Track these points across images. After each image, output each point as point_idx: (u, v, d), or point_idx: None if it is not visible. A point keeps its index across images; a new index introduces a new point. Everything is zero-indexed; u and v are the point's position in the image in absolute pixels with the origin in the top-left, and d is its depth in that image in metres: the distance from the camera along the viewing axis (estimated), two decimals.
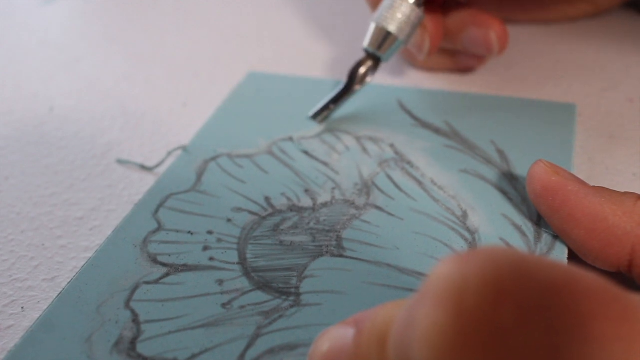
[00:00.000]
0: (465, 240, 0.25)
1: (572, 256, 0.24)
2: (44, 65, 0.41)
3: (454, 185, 0.28)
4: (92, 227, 0.28)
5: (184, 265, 0.25)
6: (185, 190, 0.28)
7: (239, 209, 0.27)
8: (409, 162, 0.29)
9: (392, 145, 0.30)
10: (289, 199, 0.28)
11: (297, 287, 0.24)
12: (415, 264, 0.24)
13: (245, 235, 0.26)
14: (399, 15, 0.31)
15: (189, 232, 0.26)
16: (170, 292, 0.24)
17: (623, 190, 0.23)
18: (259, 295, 0.23)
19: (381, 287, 0.23)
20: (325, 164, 0.30)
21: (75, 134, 0.34)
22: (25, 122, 0.36)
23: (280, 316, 0.23)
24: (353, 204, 0.27)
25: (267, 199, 0.28)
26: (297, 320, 0.22)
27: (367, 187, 0.28)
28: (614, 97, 0.34)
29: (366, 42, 0.32)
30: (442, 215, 0.26)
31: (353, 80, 0.32)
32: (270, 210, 0.27)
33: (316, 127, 0.32)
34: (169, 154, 0.31)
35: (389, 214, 0.27)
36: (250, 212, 0.27)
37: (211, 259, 0.25)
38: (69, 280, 0.25)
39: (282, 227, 0.26)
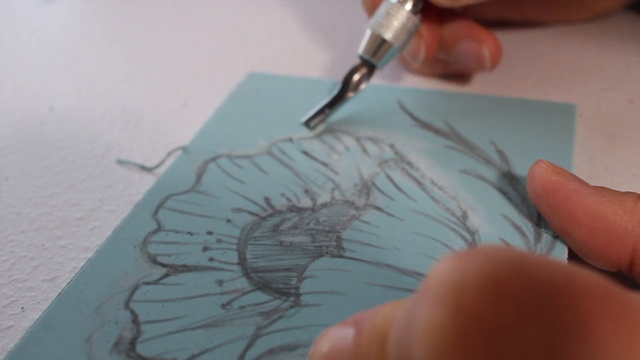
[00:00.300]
0: (465, 240, 0.25)
1: (573, 257, 0.24)
2: (44, 65, 0.41)
3: (453, 185, 0.28)
4: (92, 227, 0.28)
5: (184, 265, 0.25)
6: (184, 191, 0.28)
7: (238, 210, 0.27)
8: (408, 163, 0.29)
9: (391, 146, 0.30)
10: (288, 199, 0.28)
11: (296, 288, 0.24)
12: (415, 264, 0.24)
13: (245, 235, 0.26)
14: (395, 23, 0.30)
15: (189, 233, 0.26)
16: (170, 293, 0.24)
17: (623, 191, 0.23)
18: (259, 296, 0.23)
19: (381, 287, 0.23)
20: (325, 164, 0.30)
21: (75, 134, 0.34)
22: (25, 122, 0.36)
23: (280, 317, 0.23)
24: (353, 204, 0.27)
25: (266, 200, 0.28)
26: (297, 321, 0.22)
27: (366, 187, 0.28)
28: (614, 98, 0.34)
29: (361, 49, 0.31)
30: (442, 216, 0.26)
31: (347, 87, 0.31)
32: (270, 211, 0.27)
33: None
34: (169, 154, 0.31)
35: (389, 214, 0.27)
36: (250, 213, 0.27)
37: (211, 259, 0.25)
38: (68, 280, 0.25)
39: (281, 228, 0.26)
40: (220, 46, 0.42)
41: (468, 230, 0.25)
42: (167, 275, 0.24)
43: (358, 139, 0.31)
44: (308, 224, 0.26)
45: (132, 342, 0.22)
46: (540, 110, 0.32)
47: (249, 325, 0.22)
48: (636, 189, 0.23)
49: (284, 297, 0.23)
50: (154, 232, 0.26)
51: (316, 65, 0.39)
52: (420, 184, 0.28)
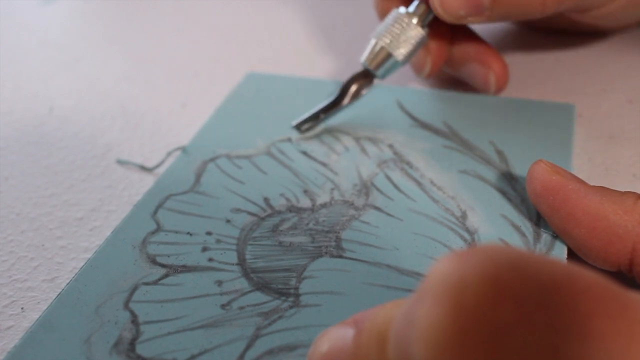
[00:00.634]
0: (465, 240, 0.25)
1: (572, 257, 0.24)
2: (44, 65, 0.41)
3: (453, 185, 0.28)
4: (92, 227, 0.28)
5: (183, 266, 0.25)
6: (184, 191, 0.28)
7: (237, 210, 0.27)
8: (408, 163, 0.29)
9: (391, 146, 0.30)
10: (288, 199, 0.28)
11: (296, 288, 0.24)
12: (415, 264, 0.24)
13: (244, 236, 0.26)
14: (402, 37, 0.30)
15: (188, 233, 0.26)
16: (170, 293, 0.24)
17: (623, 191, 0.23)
18: (258, 296, 0.23)
19: (380, 287, 0.23)
20: (324, 164, 0.30)
21: (75, 134, 0.35)
22: (25, 122, 0.36)
23: (280, 317, 0.23)
24: (352, 204, 0.27)
25: (266, 200, 0.28)
26: (297, 321, 0.22)
27: (366, 187, 0.28)
28: (613, 98, 0.34)
29: (364, 57, 0.31)
30: (442, 216, 0.26)
31: (343, 95, 0.31)
32: (269, 211, 0.27)
33: (318, 126, 0.32)
34: (169, 154, 0.31)
35: (388, 214, 0.27)
36: (249, 213, 0.27)
37: (210, 259, 0.25)
38: (68, 280, 0.25)
39: (281, 228, 0.26)
40: (220, 46, 0.42)
41: (467, 230, 0.26)
42: (166, 275, 0.24)
43: (357, 139, 0.31)
44: (307, 224, 0.26)
45: (132, 343, 0.22)
46: (540, 111, 0.32)
47: (249, 325, 0.22)
48: (636, 190, 0.23)
49: (283, 298, 0.23)
50: (153, 233, 0.26)
51: (316, 65, 0.39)
52: (419, 184, 0.28)
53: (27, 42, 0.44)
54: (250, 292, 0.24)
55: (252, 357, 0.21)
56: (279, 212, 0.27)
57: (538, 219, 0.25)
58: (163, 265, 0.25)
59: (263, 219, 0.27)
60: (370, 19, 0.38)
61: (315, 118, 0.31)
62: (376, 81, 0.31)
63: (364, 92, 0.31)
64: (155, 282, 0.24)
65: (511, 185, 0.27)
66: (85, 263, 0.25)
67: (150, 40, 0.43)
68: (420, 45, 0.31)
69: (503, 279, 0.14)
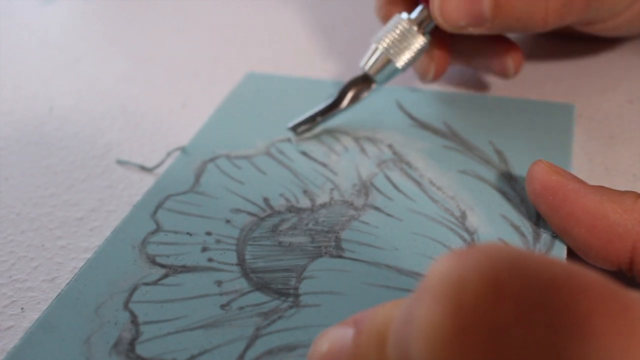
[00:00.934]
0: (464, 240, 0.25)
1: (572, 257, 0.24)
2: (44, 65, 0.41)
3: (452, 185, 0.28)
4: (92, 227, 0.28)
5: (183, 266, 0.25)
6: (183, 192, 0.28)
7: (237, 210, 0.27)
8: (407, 163, 0.29)
9: (390, 146, 0.30)
10: (287, 199, 0.28)
11: (296, 288, 0.24)
12: (414, 264, 0.24)
13: (244, 236, 0.26)
14: (403, 44, 0.29)
15: (188, 233, 0.26)
16: (169, 293, 0.24)
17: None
18: (258, 296, 0.24)
19: (380, 287, 0.23)
20: (323, 164, 0.30)
21: (75, 134, 0.35)
22: (25, 122, 0.36)
23: (280, 317, 0.23)
24: (352, 204, 0.27)
25: (265, 200, 0.28)
26: (296, 321, 0.23)
27: (365, 187, 0.28)
28: (613, 98, 0.34)
29: (363, 62, 0.30)
30: (441, 216, 0.26)
31: (341, 99, 0.31)
32: (268, 211, 0.27)
33: (315, 128, 0.32)
34: (169, 154, 0.31)
35: (388, 214, 0.27)
36: (249, 213, 0.27)
37: (210, 260, 0.25)
38: (68, 281, 0.25)
39: (280, 228, 0.26)
40: (220, 46, 0.42)
41: (467, 230, 0.26)
42: (166, 275, 0.24)
43: (357, 139, 0.31)
44: (307, 224, 0.26)
45: (132, 343, 0.22)
46: (539, 111, 0.32)
47: (248, 325, 0.22)
48: (636, 190, 0.23)
49: (283, 298, 0.23)
50: (152, 233, 0.26)
51: (316, 65, 0.39)
52: (419, 184, 0.28)
53: (27, 42, 0.44)
54: (249, 292, 0.24)
55: (251, 357, 0.21)
56: (279, 213, 0.27)
57: (537, 219, 0.25)
58: (163, 266, 0.25)
59: (263, 219, 0.27)
60: (371, 20, 0.38)
61: (312, 120, 0.31)
62: (375, 86, 0.31)
63: (362, 96, 0.31)
64: (155, 283, 0.24)
65: (511, 186, 0.27)
66: (85, 263, 0.25)
67: (150, 40, 0.43)
68: (422, 52, 0.30)
69: (502, 278, 0.14)
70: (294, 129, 0.31)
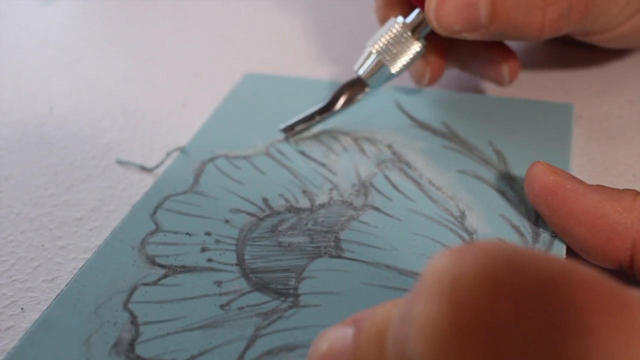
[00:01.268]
0: (464, 240, 0.25)
1: (572, 257, 0.24)
2: (44, 65, 0.41)
3: (451, 185, 0.28)
4: (91, 227, 0.28)
5: (182, 266, 0.25)
6: (183, 192, 0.28)
7: (236, 210, 0.27)
8: (406, 163, 0.29)
9: (389, 146, 0.30)
10: (286, 200, 0.28)
11: (295, 288, 0.24)
12: (414, 264, 0.24)
13: (243, 236, 0.26)
14: (397, 49, 0.29)
15: (187, 234, 0.26)
16: (169, 294, 0.24)
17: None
18: (258, 297, 0.24)
19: (379, 287, 0.23)
20: (322, 164, 0.30)
21: (75, 134, 0.35)
22: (25, 122, 0.36)
23: (279, 317, 0.23)
24: (351, 204, 0.27)
25: (264, 200, 0.28)
26: (296, 321, 0.23)
27: (364, 187, 0.28)
28: (613, 99, 0.34)
29: (357, 66, 0.30)
30: (440, 216, 0.26)
31: (334, 102, 0.31)
32: (268, 212, 0.27)
33: (314, 128, 0.32)
34: (168, 154, 0.31)
35: (387, 214, 0.27)
36: (248, 214, 0.27)
37: (209, 260, 0.25)
38: (68, 281, 0.25)
39: (280, 228, 0.26)
40: (220, 47, 0.42)
41: (466, 230, 0.26)
42: (165, 276, 0.25)
43: (356, 139, 0.31)
44: (306, 224, 0.26)
45: (131, 343, 0.22)
46: (538, 111, 0.32)
47: (248, 326, 0.22)
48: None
49: (282, 298, 0.23)
50: (152, 233, 0.26)
51: (315, 65, 0.39)
52: (418, 184, 0.28)
53: (27, 42, 0.44)
54: (249, 292, 0.24)
55: (251, 357, 0.21)
56: (278, 213, 0.27)
57: (537, 219, 0.25)
58: (162, 266, 0.25)
59: (262, 219, 0.27)
60: (371, 20, 0.38)
61: (304, 123, 0.31)
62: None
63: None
64: (155, 283, 0.24)
65: (510, 186, 0.27)
66: (85, 264, 0.25)
67: (150, 40, 0.44)
68: (417, 57, 0.30)
69: (500, 275, 0.14)
70: (286, 130, 0.31)
